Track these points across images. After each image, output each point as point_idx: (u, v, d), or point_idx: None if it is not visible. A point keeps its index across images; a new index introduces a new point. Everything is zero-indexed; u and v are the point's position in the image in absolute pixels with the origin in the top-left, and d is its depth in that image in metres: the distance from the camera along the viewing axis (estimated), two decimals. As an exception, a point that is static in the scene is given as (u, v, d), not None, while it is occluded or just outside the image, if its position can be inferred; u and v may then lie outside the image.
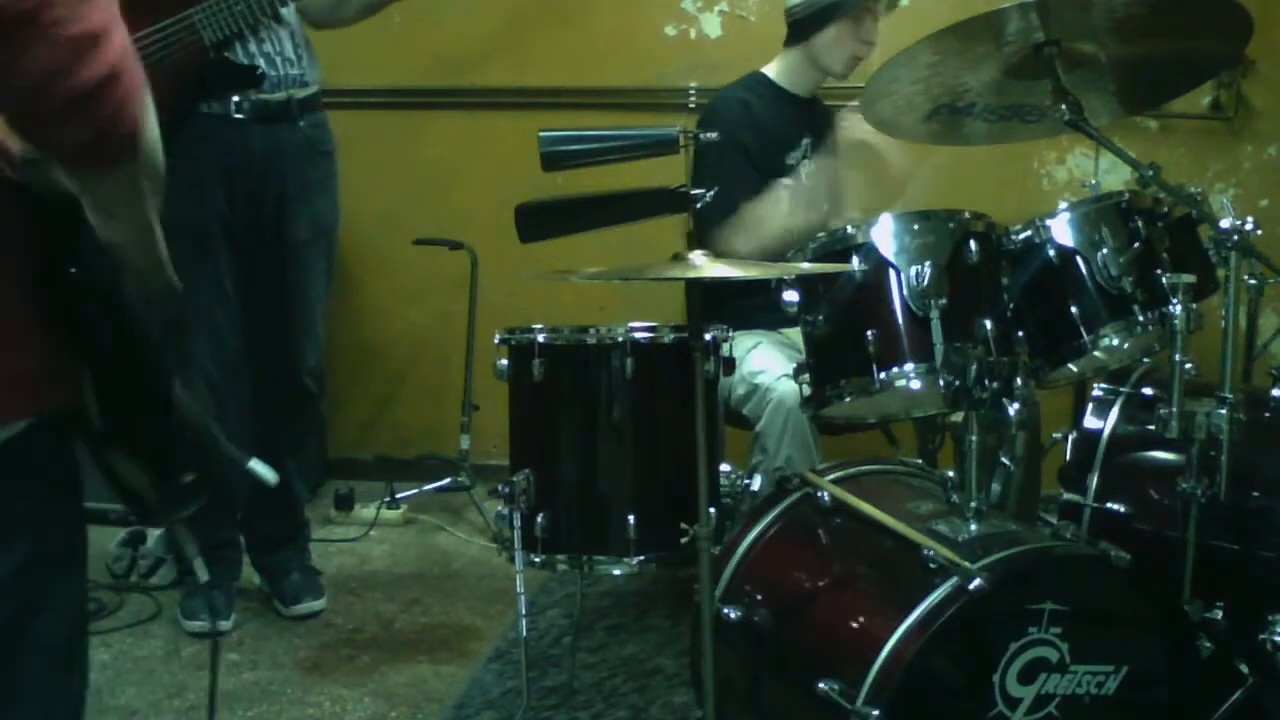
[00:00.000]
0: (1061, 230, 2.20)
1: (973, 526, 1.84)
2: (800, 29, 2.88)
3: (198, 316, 2.73)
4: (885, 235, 2.06)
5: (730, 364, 2.32)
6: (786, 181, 2.79)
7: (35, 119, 1.03)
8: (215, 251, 2.72)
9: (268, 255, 2.79)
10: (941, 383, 1.96)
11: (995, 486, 2.20)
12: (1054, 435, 2.47)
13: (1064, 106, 2.16)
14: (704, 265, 1.78)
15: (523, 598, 2.22)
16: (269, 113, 2.69)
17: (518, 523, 2.20)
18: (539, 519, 2.22)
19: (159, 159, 1.16)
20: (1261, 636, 1.97)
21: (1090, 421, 2.36)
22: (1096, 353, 2.21)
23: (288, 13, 2.69)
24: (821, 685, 1.71)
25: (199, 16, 2.53)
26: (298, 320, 2.87)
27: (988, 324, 2.01)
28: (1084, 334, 2.17)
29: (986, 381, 1.87)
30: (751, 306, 2.63)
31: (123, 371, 1.15)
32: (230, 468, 1.36)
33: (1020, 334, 2.12)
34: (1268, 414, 2.24)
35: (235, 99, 2.64)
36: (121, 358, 1.15)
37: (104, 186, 1.12)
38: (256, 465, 1.46)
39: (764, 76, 2.97)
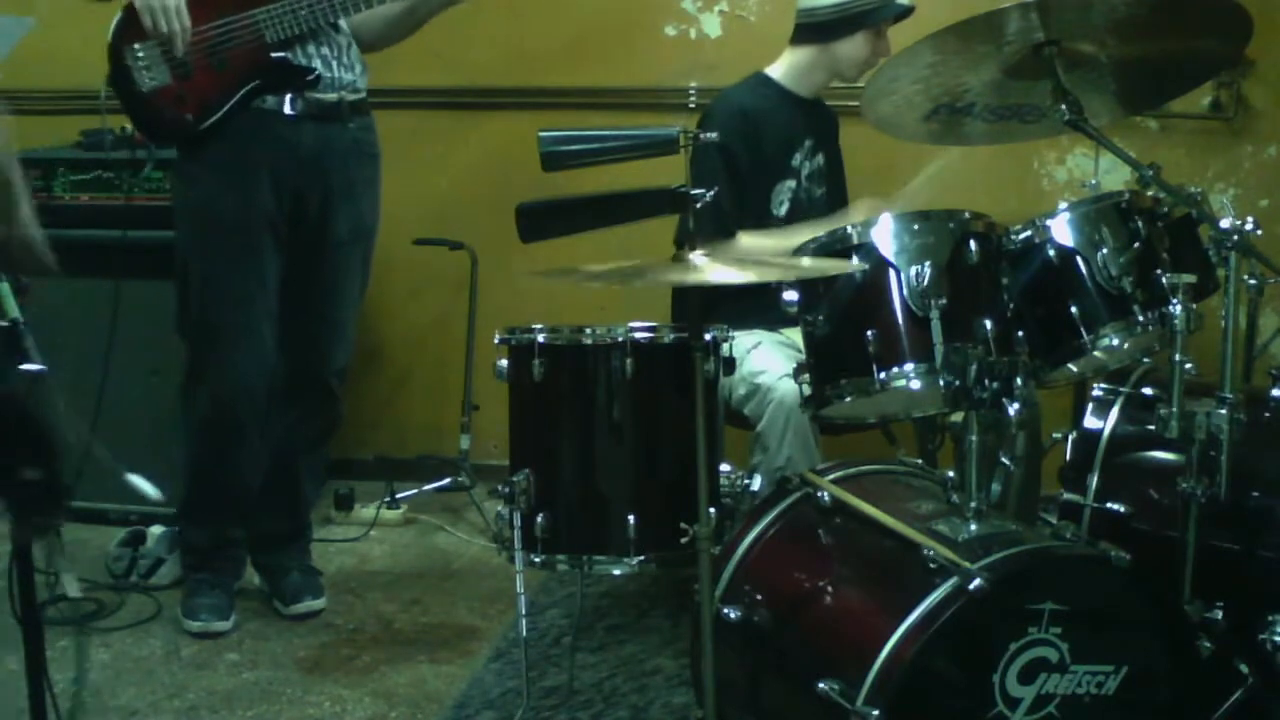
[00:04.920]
0: (1061, 230, 2.20)
1: (973, 526, 1.84)
2: (822, 32, 2.87)
3: (240, 311, 2.76)
4: (885, 235, 2.06)
5: (730, 364, 2.32)
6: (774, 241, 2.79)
7: None
8: (259, 246, 2.75)
9: (308, 252, 2.81)
10: (941, 383, 1.96)
11: (995, 486, 2.19)
12: (1054, 435, 2.47)
13: (1064, 106, 2.16)
14: (704, 266, 1.79)
15: (523, 598, 2.22)
16: (321, 112, 2.73)
17: (518, 523, 2.21)
18: (539, 519, 2.22)
19: None
20: (1261, 636, 1.98)
21: (1090, 421, 2.36)
22: (1096, 353, 2.21)
23: (344, 23, 2.75)
24: (821, 685, 1.71)
25: (263, 16, 2.63)
26: (331, 319, 2.89)
27: (988, 324, 2.01)
28: (1084, 334, 2.17)
29: (986, 381, 1.87)
30: (751, 307, 2.63)
31: None
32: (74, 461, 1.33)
33: (1020, 334, 2.12)
34: (1268, 414, 2.24)
35: (289, 96, 2.69)
36: None
37: None
38: (136, 479, 1.44)
39: (767, 78, 2.96)
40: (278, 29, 2.63)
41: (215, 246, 2.75)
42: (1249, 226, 1.99)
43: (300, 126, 2.71)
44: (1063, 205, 2.26)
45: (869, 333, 2.03)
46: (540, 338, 2.23)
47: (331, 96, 2.73)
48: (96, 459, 1.27)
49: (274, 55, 2.65)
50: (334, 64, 2.73)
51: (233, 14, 2.63)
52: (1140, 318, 2.14)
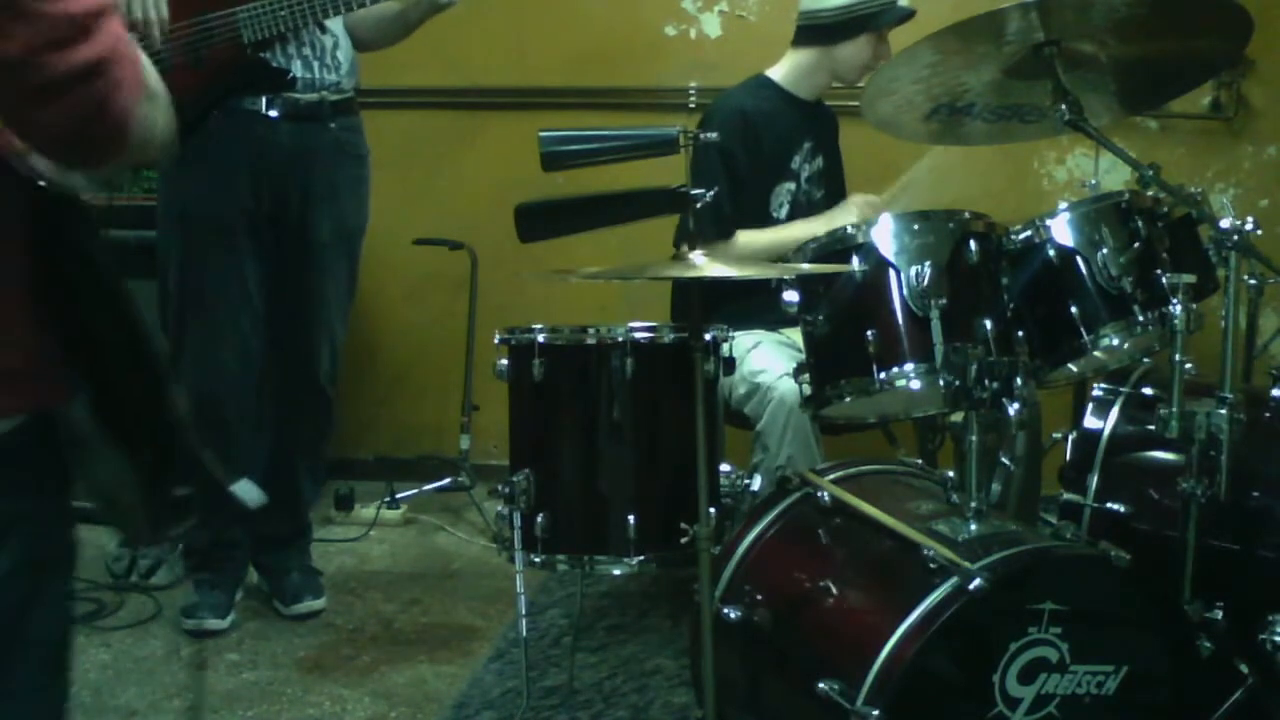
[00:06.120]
0: (1061, 230, 2.20)
1: (973, 526, 1.84)
2: (824, 34, 2.87)
3: (218, 309, 2.75)
4: (885, 235, 2.06)
5: (730, 364, 2.32)
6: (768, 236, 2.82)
7: (15, 101, 1.01)
8: (239, 246, 2.74)
9: (290, 254, 2.80)
10: (941, 383, 1.96)
11: (995, 486, 2.20)
12: (1054, 435, 2.47)
13: (1064, 106, 2.16)
14: (704, 265, 1.79)
15: (523, 598, 2.22)
16: (300, 112, 2.71)
17: (518, 523, 2.21)
18: (539, 519, 2.22)
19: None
20: (1261, 636, 1.97)
21: (1090, 421, 2.36)
22: (1096, 353, 2.21)
23: (333, 23, 2.72)
24: (821, 685, 1.71)
25: (243, 15, 2.58)
26: (315, 321, 2.87)
27: (988, 324, 2.01)
28: (1084, 334, 2.17)
29: (986, 381, 1.87)
30: (751, 307, 2.63)
31: (121, 375, 1.14)
32: (220, 486, 1.35)
33: (1020, 334, 2.12)
34: (1268, 414, 2.24)
35: (267, 96, 2.67)
36: (120, 361, 1.13)
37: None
38: (243, 487, 1.45)
39: (768, 80, 2.96)
40: (256, 29, 2.58)
41: (193, 245, 2.73)
42: (1249, 226, 1.99)
43: (279, 127, 2.69)
44: (1063, 205, 2.26)
45: (869, 333, 2.03)
46: (540, 338, 2.23)
47: (312, 97, 2.71)
48: (211, 468, 1.27)
49: (252, 56, 2.61)
50: (315, 65, 2.71)
51: (212, 11, 2.58)
52: (1140, 318, 2.14)
